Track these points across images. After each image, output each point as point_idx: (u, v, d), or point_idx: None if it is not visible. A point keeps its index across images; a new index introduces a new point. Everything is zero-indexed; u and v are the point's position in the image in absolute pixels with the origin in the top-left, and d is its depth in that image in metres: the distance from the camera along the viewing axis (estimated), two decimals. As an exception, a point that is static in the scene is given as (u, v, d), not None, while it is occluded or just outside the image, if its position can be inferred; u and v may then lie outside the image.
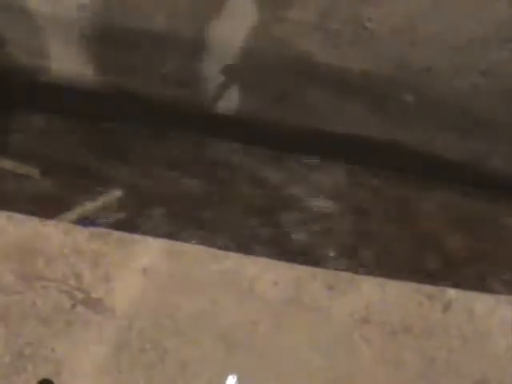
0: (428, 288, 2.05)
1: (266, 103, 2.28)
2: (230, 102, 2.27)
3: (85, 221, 2.09)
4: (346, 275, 2.06)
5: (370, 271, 2.12)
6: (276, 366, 1.88)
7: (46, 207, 2.12)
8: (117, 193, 2.18)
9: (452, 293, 2.05)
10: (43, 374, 1.77)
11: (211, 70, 2.17)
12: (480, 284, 2.21)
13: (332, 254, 2.19)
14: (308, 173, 2.42)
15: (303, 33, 2.01)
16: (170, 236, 2.12)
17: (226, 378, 1.84)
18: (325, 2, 1.91)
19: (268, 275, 2.03)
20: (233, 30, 2.02)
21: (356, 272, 2.07)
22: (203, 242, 2.14)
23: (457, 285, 2.09)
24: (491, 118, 2.21)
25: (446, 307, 2.02)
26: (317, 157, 2.43)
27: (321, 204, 2.36)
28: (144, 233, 2.09)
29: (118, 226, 2.10)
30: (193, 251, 2.06)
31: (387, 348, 1.93)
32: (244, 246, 2.20)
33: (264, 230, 2.27)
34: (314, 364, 1.90)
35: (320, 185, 2.40)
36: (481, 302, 2.05)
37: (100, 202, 2.15)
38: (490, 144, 2.33)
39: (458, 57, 2.01)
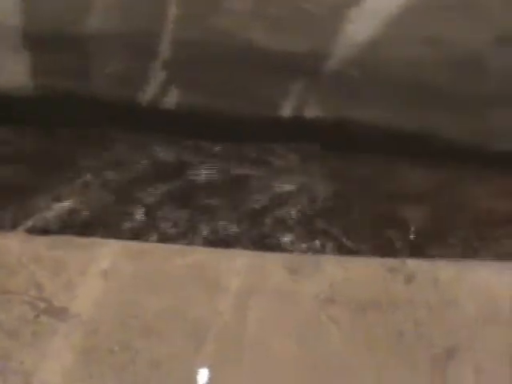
0: (390, 261, 2.05)
1: (212, 95, 2.27)
2: (174, 97, 2.26)
3: (42, 229, 2.07)
4: (308, 258, 2.07)
5: (333, 251, 2.12)
6: (248, 357, 1.88)
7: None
8: (68, 203, 2.17)
9: (414, 263, 2.05)
10: (14, 388, 1.76)
11: (153, 67, 2.16)
12: (445, 253, 2.22)
13: (293, 237, 2.19)
14: (265, 157, 2.42)
15: (243, 21, 2.00)
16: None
17: (198, 373, 1.83)
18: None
19: (232, 265, 2.02)
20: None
21: (319, 253, 2.08)
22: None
23: (421, 256, 2.11)
24: (440, 88, 2.22)
25: (410, 279, 2.02)
26: (272, 142, 2.43)
27: (281, 185, 2.35)
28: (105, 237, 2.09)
29: (77, 231, 2.09)
30: (155, 249, 2.05)
31: (356, 327, 1.93)
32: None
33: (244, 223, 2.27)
34: (286, 352, 1.89)
35: (280, 167, 2.40)
36: (445, 270, 2.06)
37: (54, 211, 2.14)
38: (441, 114, 2.34)
39: (399, 27, 2.00)
